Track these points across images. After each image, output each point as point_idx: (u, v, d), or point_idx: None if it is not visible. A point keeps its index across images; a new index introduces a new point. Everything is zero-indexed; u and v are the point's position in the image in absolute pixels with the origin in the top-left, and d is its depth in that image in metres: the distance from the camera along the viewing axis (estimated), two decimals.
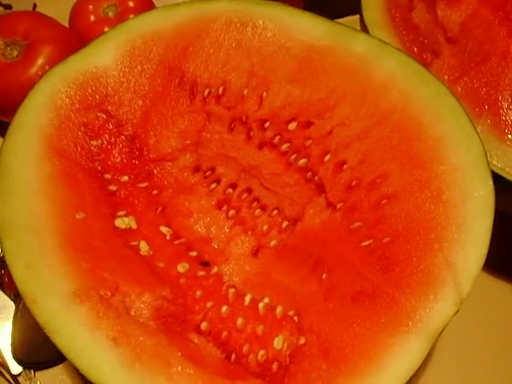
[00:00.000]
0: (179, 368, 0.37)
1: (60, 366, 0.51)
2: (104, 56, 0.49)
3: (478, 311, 0.55)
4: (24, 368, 0.51)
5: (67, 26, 0.66)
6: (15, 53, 0.60)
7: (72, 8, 0.67)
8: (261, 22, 0.49)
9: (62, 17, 0.67)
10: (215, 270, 0.44)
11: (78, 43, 0.63)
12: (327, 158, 0.46)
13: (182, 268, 0.44)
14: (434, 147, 0.43)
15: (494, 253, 0.51)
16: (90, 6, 0.66)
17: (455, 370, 0.52)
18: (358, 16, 0.58)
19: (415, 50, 0.55)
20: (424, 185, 0.43)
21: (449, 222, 0.41)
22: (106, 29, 0.65)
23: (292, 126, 0.47)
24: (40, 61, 0.60)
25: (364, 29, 0.57)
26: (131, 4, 0.66)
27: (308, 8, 0.66)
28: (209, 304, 0.42)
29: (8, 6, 0.73)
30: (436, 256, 0.41)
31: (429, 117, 0.44)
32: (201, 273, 0.44)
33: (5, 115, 0.60)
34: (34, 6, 0.74)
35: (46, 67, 0.59)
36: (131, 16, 0.65)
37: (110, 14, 0.66)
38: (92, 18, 0.66)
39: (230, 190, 0.48)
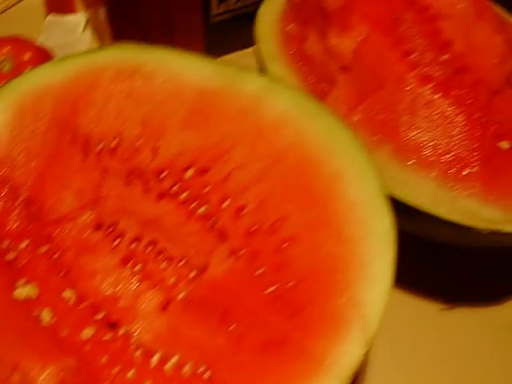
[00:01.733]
0: None
1: None
2: None
3: (406, 333, 0.55)
4: None
5: None
6: None
7: None
8: (149, 69, 0.49)
9: None
10: (123, 330, 0.43)
11: None
12: (226, 203, 0.45)
13: (87, 333, 0.43)
14: (330, 184, 0.43)
15: (418, 274, 0.51)
16: None
17: None
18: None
19: (311, 81, 0.55)
20: (324, 224, 0.42)
21: (351, 260, 0.41)
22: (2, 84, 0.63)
23: (189, 173, 0.46)
24: None
25: (260, 62, 0.56)
26: (27, 57, 0.65)
27: (210, 44, 0.66)
28: (115, 369, 0.41)
29: None
30: (341, 296, 0.40)
31: (324, 153, 0.44)
32: (107, 336, 0.43)
33: None
34: None
35: None
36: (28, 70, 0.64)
37: (6, 67, 0.65)
38: None
39: (134, 245, 0.46)
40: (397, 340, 0.54)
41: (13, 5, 0.80)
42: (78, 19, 0.78)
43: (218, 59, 0.66)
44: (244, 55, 0.73)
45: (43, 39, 0.75)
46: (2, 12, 0.80)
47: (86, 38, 0.75)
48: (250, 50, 0.70)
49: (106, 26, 0.66)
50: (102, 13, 0.65)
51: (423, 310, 0.56)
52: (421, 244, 0.55)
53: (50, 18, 0.78)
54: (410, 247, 0.52)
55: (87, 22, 0.78)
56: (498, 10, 0.62)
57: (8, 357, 0.39)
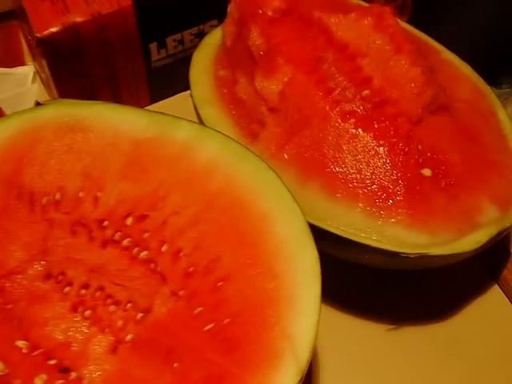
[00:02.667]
0: None
1: None
2: None
3: (355, 354, 0.57)
4: None
5: None
6: None
7: None
8: (87, 123, 0.51)
9: None
10: (74, 375, 0.45)
11: None
12: (164, 248, 0.47)
13: (39, 381, 0.44)
14: (259, 224, 0.45)
15: (363, 298, 0.54)
16: None
17: None
18: None
19: (243, 123, 0.57)
20: (254, 262, 0.44)
21: (281, 294, 0.43)
22: None
23: (129, 221, 0.48)
24: None
25: (194, 106, 0.59)
26: None
27: (154, 88, 0.69)
28: None
29: None
30: (273, 330, 0.42)
31: (252, 195, 0.46)
32: (59, 382, 0.44)
33: None
34: None
35: None
36: None
37: None
38: None
39: (83, 291, 0.48)
40: (346, 358, 0.57)
41: None
42: (26, 71, 0.79)
43: (160, 103, 0.69)
44: (187, 96, 0.75)
45: None
46: None
47: (35, 90, 0.76)
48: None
49: (50, 77, 0.68)
50: (45, 66, 0.67)
51: (371, 331, 0.58)
52: (364, 267, 0.57)
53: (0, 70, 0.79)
54: (354, 270, 0.55)
55: (35, 73, 0.80)
56: (422, 36, 0.65)
57: None
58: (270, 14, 0.59)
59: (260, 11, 0.59)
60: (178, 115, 0.52)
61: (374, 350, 0.57)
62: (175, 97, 0.77)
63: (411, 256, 0.49)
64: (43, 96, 0.77)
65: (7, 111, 0.70)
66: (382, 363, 0.57)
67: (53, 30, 0.62)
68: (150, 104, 0.75)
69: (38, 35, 0.62)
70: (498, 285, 0.60)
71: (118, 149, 0.50)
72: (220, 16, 0.70)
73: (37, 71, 0.80)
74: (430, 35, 0.65)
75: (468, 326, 0.59)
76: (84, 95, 0.69)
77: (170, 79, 0.73)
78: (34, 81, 0.79)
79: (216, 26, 0.70)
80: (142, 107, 0.70)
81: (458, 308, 0.60)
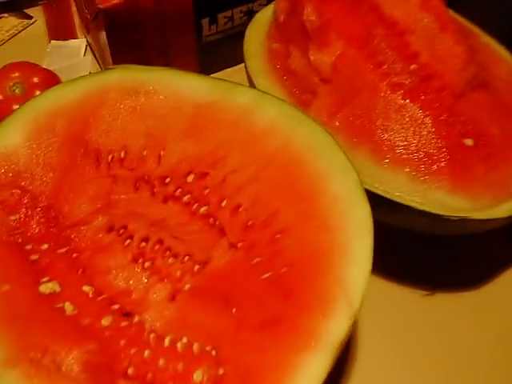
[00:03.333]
0: None
1: None
2: (12, 136, 0.53)
3: (391, 316, 0.60)
4: None
5: None
6: None
7: None
8: (151, 88, 0.54)
9: None
10: (137, 319, 0.48)
11: None
12: (224, 203, 0.50)
13: (105, 321, 0.47)
14: (315, 182, 0.48)
15: (402, 264, 0.60)
16: None
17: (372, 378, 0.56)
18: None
19: (296, 92, 0.60)
20: (310, 216, 0.48)
21: (335, 245, 0.46)
22: (14, 106, 0.69)
23: (190, 178, 0.52)
24: None
25: (249, 78, 0.62)
26: (36, 80, 0.70)
27: (203, 62, 0.72)
28: (133, 351, 0.46)
29: None
30: (328, 277, 0.45)
31: (308, 155, 0.49)
32: (123, 323, 0.47)
33: None
34: None
35: None
36: (37, 91, 0.69)
37: (17, 91, 0.70)
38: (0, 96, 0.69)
39: (143, 244, 0.51)
40: (383, 322, 0.59)
41: (18, 32, 0.86)
42: (79, 44, 0.83)
43: (212, 76, 0.72)
44: (235, 71, 0.79)
45: (48, 63, 0.80)
46: (9, 39, 0.85)
47: (88, 62, 0.80)
48: (240, 66, 0.76)
49: (105, 50, 0.72)
50: (101, 37, 0.71)
51: (407, 296, 0.61)
52: (403, 236, 0.60)
53: (54, 43, 0.83)
54: (394, 239, 0.58)
55: (87, 46, 0.83)
56: (462, 20, 0.68)
57: (38, 341, 0.44)
58: None
59: None
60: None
61: (409, 313, 0.60)
62: (223, 71, 0.81)
63: (452, 219, 0.52)
64: (95, 68, 0.81)
65: (62, 80, 0.73)
66: (416, 327, 0.59)
67: (114, 1, 0.66)
68: None
69: (100, 6, 0.65)
70: None
71: (181, 111, 0.53)
72: None
73: (89, 44, 0.83)
74: (467, 19, 0.68)
75: (498, 296, 0.62)
76: (137, 64, 0.72)
77: (219, 54, 0.77)
78: (85, 54, 0.82)
79: (264, 4, 0.74)
80: None
81: (489, 278, 0.63)
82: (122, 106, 0.54)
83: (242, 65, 0.69)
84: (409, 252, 0.63)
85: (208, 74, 0.79)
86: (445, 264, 0.63)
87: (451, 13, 0.67)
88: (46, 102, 0.54)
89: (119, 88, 0.54)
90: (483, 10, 0.73)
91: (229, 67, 0.79)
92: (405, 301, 0.61)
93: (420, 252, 0.63)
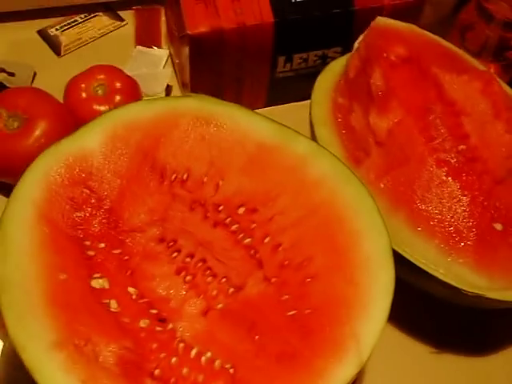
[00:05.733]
0: None
1: None
2: (91, 140, 0.58)
3: (398, 367, 0.65)
4: None
5: (61, 99, 0.76)
6: (16, 124, 0.70)
7: (67, 84, 0.76)
8: (221, 120, 0.59)
9: (58, 89, 0.76)
10: (170, 326, 0.53)
11: (70, 118, 0.73)
12: (267, 240, 0.55)
13: (143, 323, 0.53)
14: (351, 238, 0.53)
15: (416, 321, 0.65)
16: (83, 85, 0.76)
17: None
18: None
19: (351, 148, 0.66)
20: (340, 269, 0.52)
21: (357, 301, 0.51)
22: (95, 106, 0.75)
23: (241, 210, 0.57)
24: (37, 133, 0.69)
25: (311, 123, 0.67)
26: (118, 85, 0.76)
27: (271, 95, 0.78)
28: (162, 355, 0.51)
29: (11, 74, 0.83)
30: (344, 328, 0.50)
31: (350, 212, 0.54)
32: (158, 328, 0.53)
33: (5, 177, 0.70)
34: (34, 74, 0.84)
35: (42, 139, 0.69)
36: (118, 96, 0.76)
37: (100, 92, 0.76)
38: (83, 95, 0.75)
39: (188, 259, 0.56)
40: (389, 371, 0.64)
41: (109, 32, 0.92)
42: (161, 54, 0.89)
43: (273, 107, 0.78)
44: (298, 107, 0.84)
45: (130, 67, 0.84)
46: (99, 37, 0.92)
47: (167, 74, 0.85)
48: (303, 103, 0.81)
49: (185, 68, 0.78)
50: (183, 54, 0.77)
51: (415, 351, 0.66)
52: (420, 296, 0.64)
53: (139, 48, 0.89)
54: (413, 298, 0.63)
55: (169, 57, 0.89)
56: None
57: (83, 330, 0.50)
58: (392, 58, 0.67)
59: (385, 54, 0.67)
60: (288, 122, 0.60)
61: (415, 367, 0.65)
62: (288, 105, 0.86)
63: (469, 294, 0.57)
64: (174, 80, 0.86)
65: (141, 87, 0.80)
66: (417, 381, 0.64)
67: (202, 29, 0.72)
68: (264, 107, 0.84)
69: (189, 32, 0.71)
70: None
71: (244, 148, 0.58)
72: (344, 44, 0.79)
73: (170, 55, 0.89)
74: None
75: (501, 367, 0.66)
76: (212, 89, 0.78)
77: (288, 89, 0.82)
78: (165, 65, 0.88)
79: (339, 52, 0.79)
80: (256, 109, 0.78)
81: (497, 349, 0.67)
82: (192, 132, 0.59)
83: (306, 101, 0.74)
84: (425, 309, 0.67)
85: (273, 105, 0.84)
86: (456, 326, 0.67)
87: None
88: (126, 115, 0.59)
89: (193, 115, 0.59)
90: None
91: (294, 102, 0.84)
92: (412, 354, 0.66)
93: (435, 311, 0.67)
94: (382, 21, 0.69)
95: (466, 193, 0.60)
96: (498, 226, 0.59)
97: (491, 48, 0.80)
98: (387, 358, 0.64)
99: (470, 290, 0.56)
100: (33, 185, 0.55)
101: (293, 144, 0.57)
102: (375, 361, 0.63)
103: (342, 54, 0.77)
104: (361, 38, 0.70)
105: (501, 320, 0.68)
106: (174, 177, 0.57)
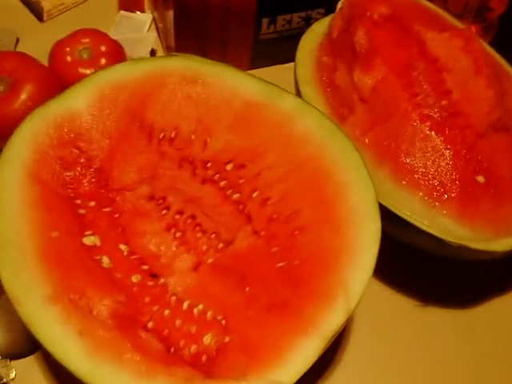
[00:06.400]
0: (129, 356, 0.47)
1: (32, 356, 0.60)
2: (78, 101, 0.59)
3: (385, 320, 0.66)
4: (1, 358, 0.59)
5: (46, 63, 0.76)
6: (2, 88, 0.70)
7: (52, 48, 0.77)
8: (208, 79, 0.60)
9: (42, 54, 0.76)
10: (162, 281, 0.54)
11: (56, 81, 0.73)
12: (255, 194, 0.56)
13: (135, 279, 0.54)
14: (338, 191, 0.54)
15: (401, 275, 0.66)
16: (67, 49, 0.76)
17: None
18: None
19: (335, 105, 0.67)
20: (328, 220, 0.54)
21: (344, 250, 0.52)
22: (80, 69, 0.75)
23: (229, 166, 0.58)
24: (23, 96, 0.69)
25: (296, 82, 0.68)
26: (103, 48, 0.76)
27: (255, 57, 0.78)
28: (155, 308, 0.52)
29: None
30: (332, 277, 0.51)
31: (336, 166, 0.55)
32: (150, 283, 0.54)
33: None
34: (17, 40, 0.85)
35: (29, 103, 0.69)
36: (103, 59, 0.76)
37: (85, 56, 0.76)
38: (69, 58, 0.76)
39: (178, 216, 0.57)
40: (376, 324, 0.66)
41: None
42: (145, 18, 0.89)
43: (258, 70, 0.78)
44: (281, 69, 0.84)
45: (113, 32, 0.84)
46: (83, 2, 0.92)
47: (151, 38, 0.85)
48: (287, 65, 0.83)
49: (170, 31, 0.78)
50: (168, 18, 0.77)
51: (401, 304, 0.67)
52: (406, 251, 0.66)
53: (122, 13, 0.89)
54: (399, 252, 0.64)
55: (152, 21, 0.89)
56: (501, 60, 0.73)
57: (78, 285, 0.51)
58: (375, 17, 0.68)
59: (368, 14, 0.68)
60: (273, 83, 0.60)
61: (400, 320, 0.66)
62: (272, 67, 0.87)
63: (452, 244, 0.58)
64: (158, 44, 0.87)
65: (126, 51, 0.80)
66: (404, 333, 0.65)
67: None
68: (248, 70, 0.84)
69: None
70: None
71: (231, 106, 0.59)
72: (327, 5, 0.79)
73: (154, 20, 0.89)
74: (509, 56, 0.73)
75: (483, 317, 0.67)
76: (197, 52, 0.78)
77: (271, 51, 0.83)
78: (149, 29, 0.89)
79: (322, 13, 0.79)
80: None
81: (480, 300, 0.68)
82: (179, 91, 0.59)
83: (290, 64, 0.75)
84: (411, 264, 0.69)
85: (258, 67, 0.85)
86: (441, 280, 0.69)
87: (491, 52, 0.72)
88: (112, 75, 0.60)
89: (180, 74, 0.60)
90: None
91: (278, 64, 0.85)
92: (398, 307, 0.67)
93: (421, 265, 0.69)
94: None
95: (449, 146, 0.61)
96: (480, 179, 0.60)
97: (472, 9, 0.81)
98: (374, 311, 0.65)
99: (454, 241, 0.57)
100: (21, 146, 0.56)
101: (279, 101, 0.58)
102: (362, 314, 0.65)
103: (325, 15, 0.78)
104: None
105: (483, 272, 0.70)
106: (162, 135, 0.58)
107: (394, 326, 0.65)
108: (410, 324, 0.66)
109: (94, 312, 0.50)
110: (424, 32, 0.66)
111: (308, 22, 0.78)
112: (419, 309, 0.67)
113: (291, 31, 0.80)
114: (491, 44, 0.73)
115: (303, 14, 0.78)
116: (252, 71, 0.84)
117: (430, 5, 0.72)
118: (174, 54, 0.62)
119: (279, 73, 0.82)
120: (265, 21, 0.78)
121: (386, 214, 0.57)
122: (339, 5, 0.70)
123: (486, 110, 0.62)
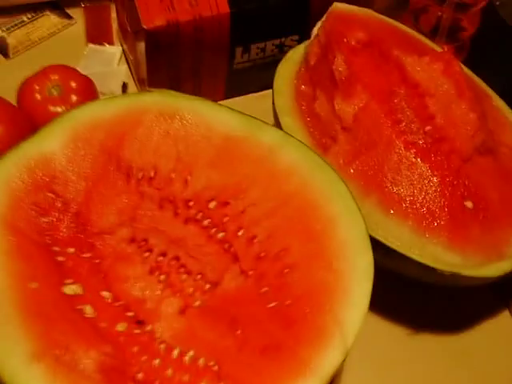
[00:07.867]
0: None
1: None
2: (51, 142, 0.56)
3: (378, 350, 0.65)
4: None
5: (14, 101, 0.74)
6: None
7: (20, 87, 0.74)
8: (186, 114, 0.58)
9: (9, 93, 0.74)
10: (149, 327, 0.52)
11: (26, 121, 0.71)
12: (241, 232, 0.55)
13: (121, 327, 0.51)
14: (326, 225, 0.53)
15: (392, 303, 0.65)
16: (37, 86, 0.74)
17: None
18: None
19: (317, 135, 0.65)
20: (318, 256, 0.52)
21: (337, 287, 0.51)
22: (50, 107, 0.73)
23: (212, 204, 0.56)
24: None
25: (275, 113, 0.67)
26: (73, 85, 0.74)
27: (230, 86, 0.77)
28: (144, 358, 0.50)
29: None
30: (326, 315, 0.50)
31: (323, 199, 0.54)
32: (137, 331, 0.52)
33: None
34: None
35: None
36: (74, 96, 0.74)
37: (55, 93, 0.74)
38: (38, 96, 0.73)
39: (161, 258, 0.55)
40: (370, 355, 0.65)
41: (58, 31, 0.90)
42: (114, 51, 0.87)
43: (233, 99, 0.77)
44: (257, 98, 0.83)
45: (83, 66, 0.83)
46: (49, 38, 0.90)
47: (122, 71, 0.83)
48: (262, 93, 0.82)
49: (142, 63, 0.76)
50: (139, 50, 0.76)
51: (393, 333, 0.67)
52: (396, 279, 0.64)
53: (91, 46, 0.87)
54: (388, 281, 0.62)
55: (122, 54, 0.88)
56: (478, 80, 0.73)
57: (60, 339, 0.49)
58: (353, 43, 0.67)
59: (345, 40, 0.67)
60: (249, 113, 0.59)
61: (393, 348, 0.65)
62: (247, 96, 0.85)
63: (445, 273, 0.57)
64: (129, 78, 0.85)
65: (96, 86, 0.78)
66: (397, 361, 0.65)
67: (158, 23, 0.71)
68: (223, 100, 0.83)
69: (144, 27, 0.70)
70: (509, 310, 0.69)
71: (210, 141, 0.57)
72: (301, 32, 0.78)
73: (123, 52, 0.87)
74: (482, 75, 0.73)
75: (476, 343, 0.67)
76: (170, 84, 0.77)
77: (246, 80, 0.82)
78: (119, 62, 0.87)
79: (296, 40, 0.78)
80: (217, 101, 0.77)
81: (471, 326, 0.68)
82: (156, 129, 0.58)
83: (265, 92, 0.76)
84: (400, 292, 0.67)
85: (233, 97, 0.84)
86: (431, 306, 0.68)
87: (469, 73, 0.71)
88: (86, 114, 0.58)
89: (156, 111, 0.58)
90: (498, 69, 0.78)
91: (253, 92, 0.83)
92: (389, 336, 0.66)
93: (410, 294, 0.68)
94: (339, 6, 0.69)
95: (435, 173, 0.60)
96: (469, 204, 0.60)
97: (444, 29, 0.81)
98: (366, 342, 0.63)
99: (446, 269, 0.57)
100: None
101: (259, 134, 0.57)
102: (354, 346, 0.62)
103: (300, 41, 0.77)
104: (319, 24, 0.70)
105: (474, 297, 0.69)
106: (140, 175, 0.57)
107: (386, 355, 0.65)
108: (403, 352, 0.65)
109: (80, 366, 0.47)
110: (403, 56, 0.65)
111: (282, 50, 0.77)
112: (411, 336, 0.66)
113: (265, 59, 0.79)
114: (463, 63, 0.72)
115: (277, 42, 0.77)
116: (227, 101, 0.82)
117: (405, 27, 0.71)
118: (148, 89, 0.60)
119: (255, 101, 0.81)
120: (238, 50, 0.76)
121: (375, 244, 0.55)
122: (315, 31, 0.69)
123: (471, 134, 0.62)
